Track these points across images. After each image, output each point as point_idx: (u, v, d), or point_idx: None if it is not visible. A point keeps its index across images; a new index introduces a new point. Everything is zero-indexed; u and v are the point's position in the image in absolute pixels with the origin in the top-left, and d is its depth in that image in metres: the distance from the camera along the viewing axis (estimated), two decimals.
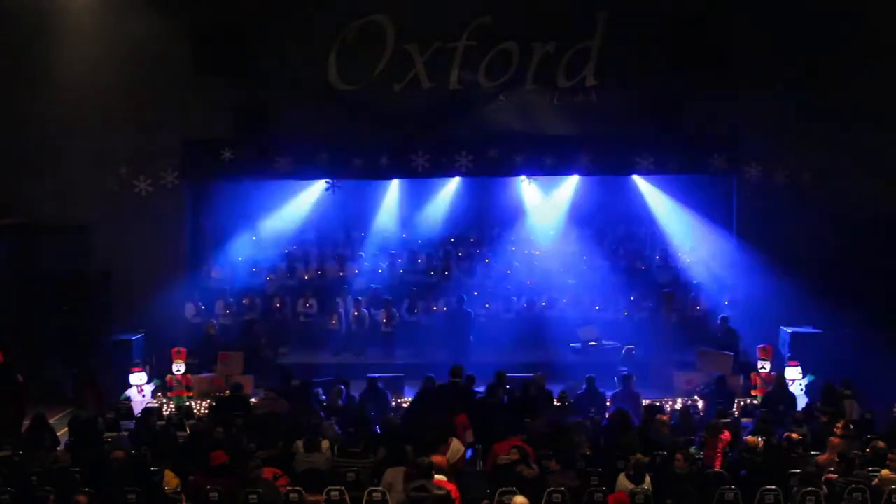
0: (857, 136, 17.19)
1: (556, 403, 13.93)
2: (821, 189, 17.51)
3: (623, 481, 10.47)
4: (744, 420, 13.37)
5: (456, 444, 11.58)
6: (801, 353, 15.87)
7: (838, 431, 11.76)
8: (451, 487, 10.21)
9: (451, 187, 19.77)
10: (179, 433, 12.78)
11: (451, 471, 10.96)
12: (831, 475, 10.61)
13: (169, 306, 17.49)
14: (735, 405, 14.61)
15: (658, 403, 14.24)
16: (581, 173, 18.23)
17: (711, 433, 11.77)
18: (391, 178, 18.87)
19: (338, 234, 20.61)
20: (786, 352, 16.30)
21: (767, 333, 16.56)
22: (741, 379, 15.73)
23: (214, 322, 17.47)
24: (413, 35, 17.51)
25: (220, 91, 17.39)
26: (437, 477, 10.26)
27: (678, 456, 10.76)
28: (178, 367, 15.55)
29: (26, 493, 10.14)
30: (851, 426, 12.11)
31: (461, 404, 12.90)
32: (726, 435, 11.73)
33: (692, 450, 11.52)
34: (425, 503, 9.58)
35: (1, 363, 14.28)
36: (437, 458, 10.65)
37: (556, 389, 14.42)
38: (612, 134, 17.79)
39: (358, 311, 17.91)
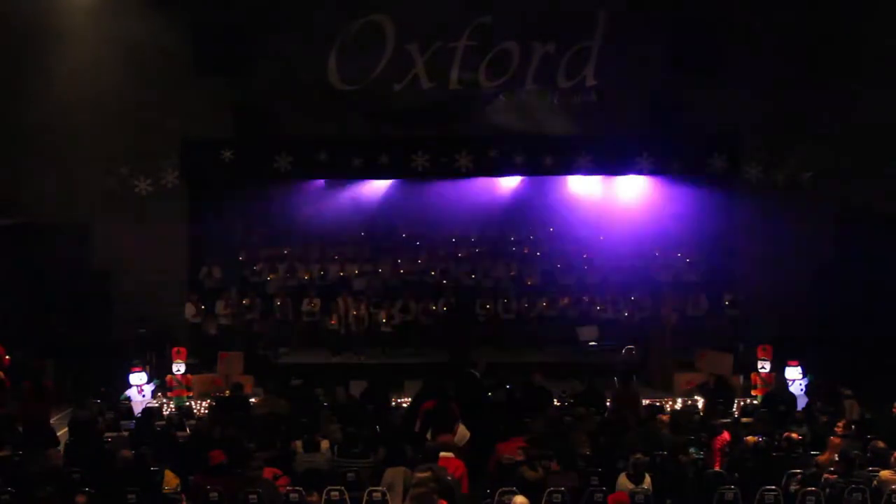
0: (857, 135, 17.19)
1: (556, 403, 13.94)
2: (821, 189, 17.51)
3: (623, 481, 10.46)
4: (744, 420, 13.35)
5: (462, 429, 11.78)
6: (801, 352, 15.86)
7: (839, 431, 11.76)
8: (459, 464, 10.46)
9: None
10: (179, 433, 12.77)
11: (459, 453, 11.12)
12: (831, 475, 10.61)
13: (169, 306, 17.48)
14: (735, 405, 14.60)
15: (658, 403, 14.25)
16: (581, 173, 18.23)
17: (711, 433, 11.78)
18: (391, 178, 18.86)
19: (339, 233, 20.58)
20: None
21: (767, 333, 16.55)
22: (741, 379, 15.72)
23: (214, 322, 17.46)
24: (413, 35, 17.53)
25: (220, 91, 17.40)
26: (444, 454, 10.58)
27: (679, 456, 10.76)
28: (178, 367, 15.54)
29: (26, 493, 10.13)
30: (852, 426, 12.12)
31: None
32: (725, 435, 11.72)
33: (692, 450, 11.51)
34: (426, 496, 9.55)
35: (7, 365, 14.31)
36: (445, 437, 11.00)
37: (556, 389, 14.42)
38: (612, 134, 17.80)
39: (358, 311, 17.90)
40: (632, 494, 10.13)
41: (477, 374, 14.05)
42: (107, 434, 12.58)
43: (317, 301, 18.29)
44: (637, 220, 20.04)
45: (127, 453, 10.77)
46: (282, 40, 17.52)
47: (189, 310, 17.49)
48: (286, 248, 19.88)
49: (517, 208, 20.07)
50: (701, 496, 10.43)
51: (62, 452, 11.64)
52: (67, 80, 17.39)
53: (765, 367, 15.45)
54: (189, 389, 15.52)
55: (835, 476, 10.52)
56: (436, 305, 18.14)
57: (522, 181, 19.35)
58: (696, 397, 15.11)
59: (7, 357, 14.55)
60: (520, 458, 10.76)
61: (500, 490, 10.17)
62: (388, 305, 18.08)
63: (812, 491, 10.24)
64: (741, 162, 17.52)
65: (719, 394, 14.40)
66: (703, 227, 18.75)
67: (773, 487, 10.32)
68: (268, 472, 10.51)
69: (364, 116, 17.73)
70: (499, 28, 17.52)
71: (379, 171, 17.89)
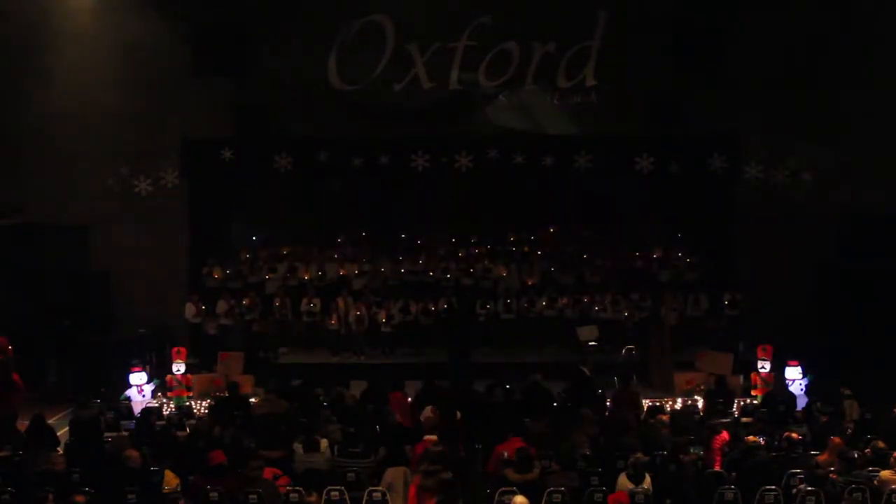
0: (857, 135, 17.20)
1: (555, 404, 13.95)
2: (821, 189, 17.52)
3: (623, 481, 10.46)
4: (744, 420, 13.36)
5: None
6: (801, 352, 15.86)
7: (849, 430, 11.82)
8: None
9: None
10: (179, 433, 12.77)
11: None
12: (831, 475, 10.60)
13: (169, 306, 17.48)
14: (735, 405, 14.61)
15: (658, 403, 14.25)
16: (581, 173, 18.20)
17: (709, 433, 11.78)
18: (391, 178, 18.83)
19: (338, 233, 20.58)
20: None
21: (767, 333, 16.55)
22: (741, 379, 15.72)
23: (214, 322, 17.46)
24: (413, 35, 17.54)
25: (220, 91, 17.41)
26: (428, 437, 11.00)
27: (679, 456, 10.76)
28: (178, 367, 15.54)
29: (26, 493, 10.13)
30: (848, 430, 12.16)
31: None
32: (724, 435, 11.73)
33: (692, 450, 11.52)
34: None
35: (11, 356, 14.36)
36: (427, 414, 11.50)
37: (556, 389, 14.43)
38: (612, 134, 17.79)
39: (358, 311, 17.89)
40: (632, 494, 10.13)
41: (587, 370, 14.08)
42: (107, 434, 12.59)
43: (317, 301, 18.27)
44: (637, 219, 20.12)
45: (135, 454, 10.76)
46: (282, 40, 17.54)
47: (189, 310, 17.49)
48: (286, 248, 19.88)
49: (517, 208, 20.07)
50: (701, 496, 10.43)
51: (63, 453, 11.64)
52: (67, 81, 17.42)
53: (765, 367, 15.45)
54: (189, 389, 15.52)
55: (835, 476, 10.52)
56: (436, 305, 18.14)
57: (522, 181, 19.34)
58: (696, 397, 15.12)
59: (10, 347, 14.58)
60: (511, 458, 10.77)
61: (500, 490, 10.17)
62: (388, 305, 18.08)
63: (812, 491, 10.24)
64: (741, 162, 17.52)
65: (719, 394, 14.41)
66: (703, 227, 18.75)
67: (773, 487, 10.32)
68: (268, 472, 10.51)
69: (364, 116, 17.73)
70: (499, 28, 17.53)
71: (379, 171, 17.87)
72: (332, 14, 17.61)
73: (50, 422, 12.97)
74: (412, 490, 10.15)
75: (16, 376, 14.06)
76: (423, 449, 10.92)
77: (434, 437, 11.19)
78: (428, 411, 12.20)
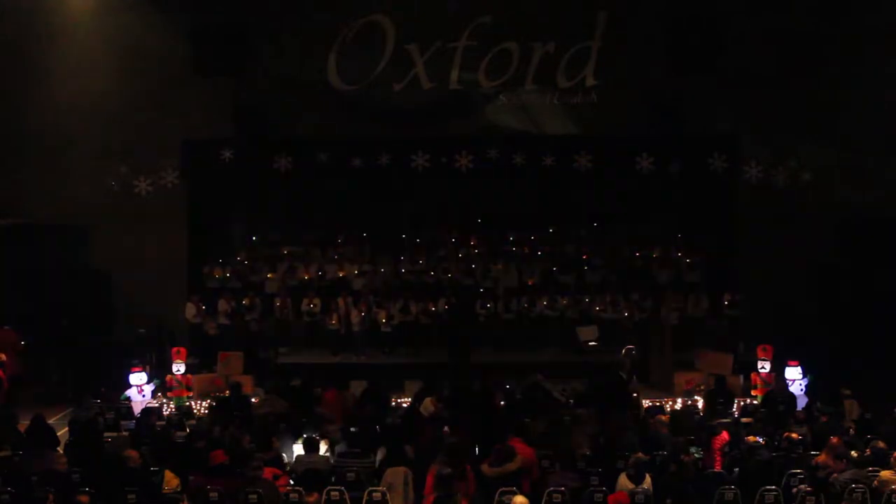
0: (857, 136, 17.21)
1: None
2: (821, 189, 17.52)
3: (623, 481, 10.46)
4: (744, 420, 13.36)
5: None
6: (801, 352, 15.86)
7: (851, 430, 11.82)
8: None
9: None
10: (179, 433, 12.77)
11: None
12: (834, 475, 10.60)
13: (169, 306, 17.48)
14: (735, 405, 14.61)
15: (658, 403, 14.25)
16: (581, 173, 18.20)
17: (710, 433, 11.78)
18: (391, 178, 18.83)
19: (338, 233, 20.57)
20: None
21: (767, 333, 16.55)
22: (741, 379, 15.72)
23: (214, 322, 17.45)
24: (413, 35, 17.54)
25: (220, 91, 17.41)
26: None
27: (681, 456, 10.77)
28: (178, 367, 15.53)
29: (26, 493, 10.13)
30: (850, 430, 12.16)
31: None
32: (724, 435, 11.73)
33: (692, 450, 11.52)
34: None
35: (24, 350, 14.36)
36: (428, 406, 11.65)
37: (556, 389, 14.43)
38: (612, 134, 17.80)
39: (358, 311, 17.89)
40: (632, 494, 10.12)
41: (623, 374, 14.31)
42: (107, 434, 12.58)
43: (317, 301, 18.27)
44: (637, 219, 20.10)
45: (135, 454, 10.75)
46: (282, 40, 17.53)
47: (189, 310, 17.48)
48: (286, 248, 19.87)
49: (517, 208, 20.05)
50: (701, 496, 10.42)
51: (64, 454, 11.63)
52: (67, 80, 17.41)
53: (765, 367, 15.44)
54: (189, 389, 15.51)
55: (835, 476, 10.52)
56: (436, 305, 18.13)
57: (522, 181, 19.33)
58: (696, 397, 15.12)
59: (23, 343, 14.56)
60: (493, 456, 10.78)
61: (500, 490, 10.18)
62: (388, 305, 18.08)
63: (812, 491, 10.24)
64: (741, 162, 17.52)
65: (719, 394, 14.41)
66: (704, 227, 18.74)
67: (773, 487, 10.32)
68: (268, 472, 10.51)
69: (364, 116, 17.73)
70: (499, 28, 17.53)
71: (379, 171, 17.87)
72: (332, 14, 17.61)
73: (50, 422, 12.96)
74: (429, 479, 10.12)
75: (0, 373, 14.03)
76: (427, 440, 10.94)
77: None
78: (428, 403, 12.22)
